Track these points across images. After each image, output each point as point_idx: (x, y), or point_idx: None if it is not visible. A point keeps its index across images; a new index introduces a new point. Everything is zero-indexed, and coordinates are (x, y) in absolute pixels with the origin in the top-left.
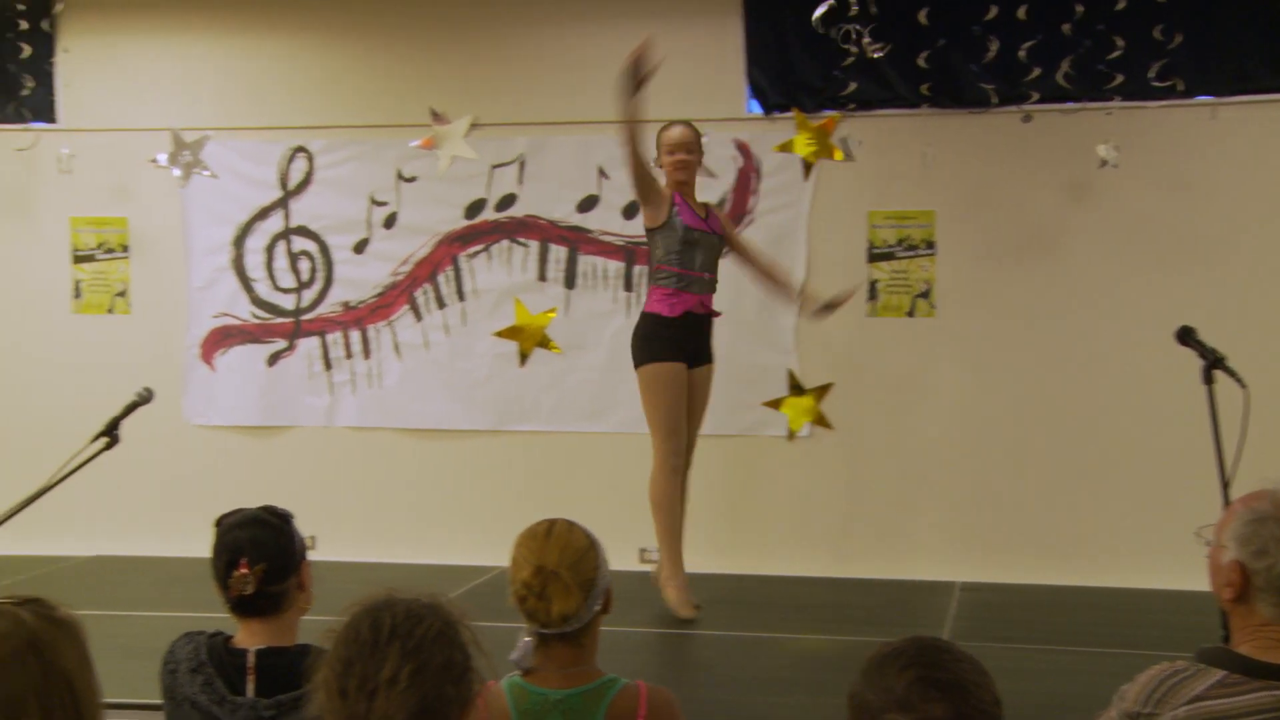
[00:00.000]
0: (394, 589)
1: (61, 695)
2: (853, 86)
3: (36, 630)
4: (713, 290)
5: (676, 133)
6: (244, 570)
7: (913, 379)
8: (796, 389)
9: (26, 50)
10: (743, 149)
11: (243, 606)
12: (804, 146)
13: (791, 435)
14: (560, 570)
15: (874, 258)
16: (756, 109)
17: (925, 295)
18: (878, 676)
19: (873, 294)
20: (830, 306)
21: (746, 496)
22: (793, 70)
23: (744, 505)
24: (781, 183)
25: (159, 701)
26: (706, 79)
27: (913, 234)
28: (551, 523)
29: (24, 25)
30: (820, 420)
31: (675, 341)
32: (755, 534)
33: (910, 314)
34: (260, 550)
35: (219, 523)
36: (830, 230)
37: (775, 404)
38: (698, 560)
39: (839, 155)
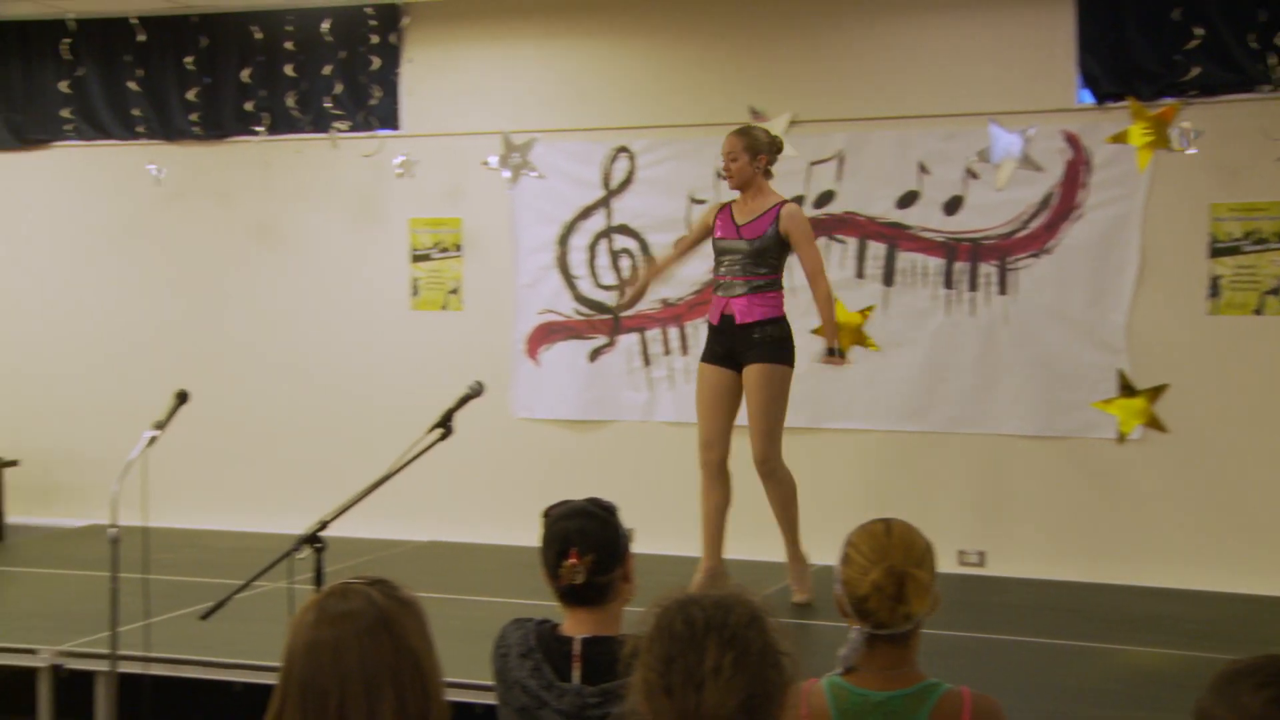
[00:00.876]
0: (684, 587)
1: (412, 672)
2: (1195, 71)
3: (386, 609)
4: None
5: (724, 142)
6: (574, 560)
7: (1259, 380)
8: (1128, 390)
9: (376, 63)
10: (1072, 141)
11: (571, 595)
12: (1140, 137)
13: (1122, 438)
14: (911, 570)
15: (1216, 252)
16: (1088, 98)
17: (1276, 292)
18: (1230, 694)
19: (1214, 291)
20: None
21: (1072, 500)
22: (1128, 56)
23: (1069, 509)
24: (1114, 175)
25: (490, 682)
26: (1034, 68)
27: (1262, 227)
28: (887, 522)
29: (374, 39)
30: (1153, 423)
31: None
32: (1081, 539)
33: (1258, 312)
34: (589, 541)
35: (547, 513)
36: (1167, 224)
37: (1105, 405)
38: (1024, 565)
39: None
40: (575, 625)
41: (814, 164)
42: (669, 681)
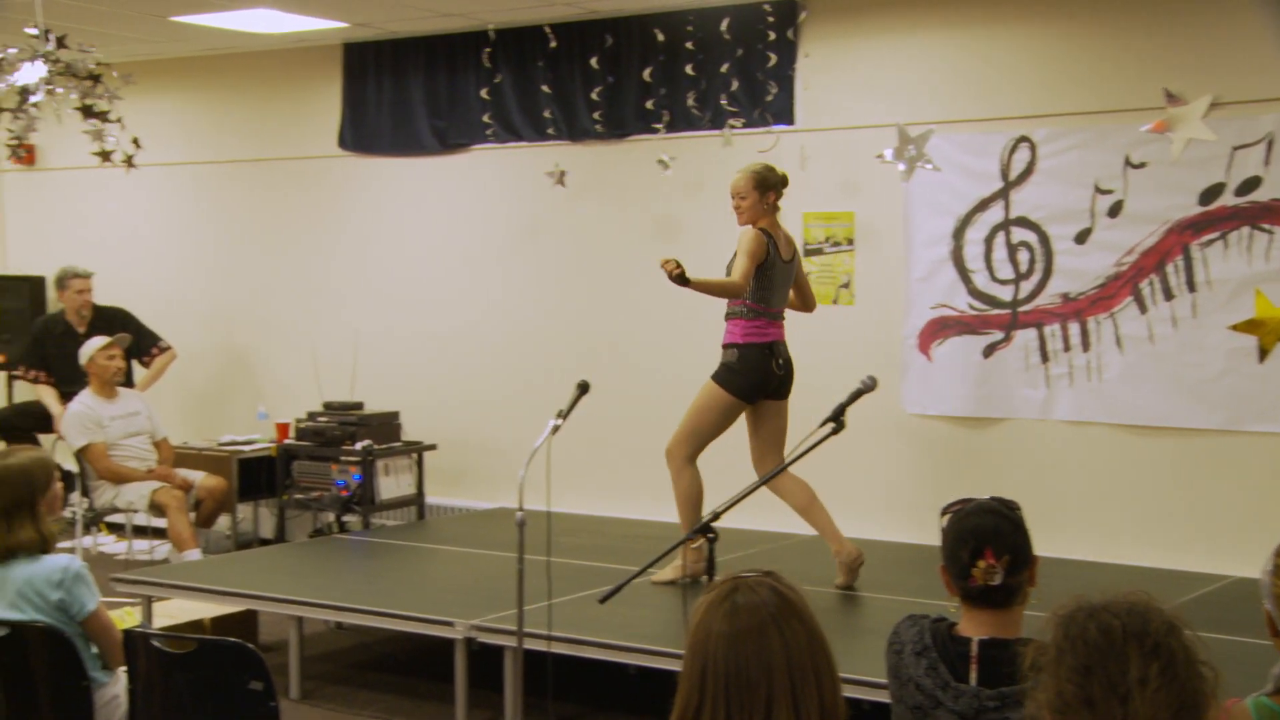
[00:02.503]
0: (1081, 595)
1: (825, 660)
2: None
3: (792, 599)
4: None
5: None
6: (991, 561)
7: None
8: None
9: (772, 59)
10: None
11: (978, 596)
12: None
13: None
14: None
15: None
16: None
17: None
18: None
19: None
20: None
21: None
22: None
23: None
24: None
25: (878, 680)
26: None
27: None
28: None
29: (771, 36)
30: None
31: None
32: None
33: None
34: (1003, 541)
35: (951, 511)
36: None
37: None
38: None
39: None
40: (974, 626)
41: (1237, 149)
42: (1089, 694)
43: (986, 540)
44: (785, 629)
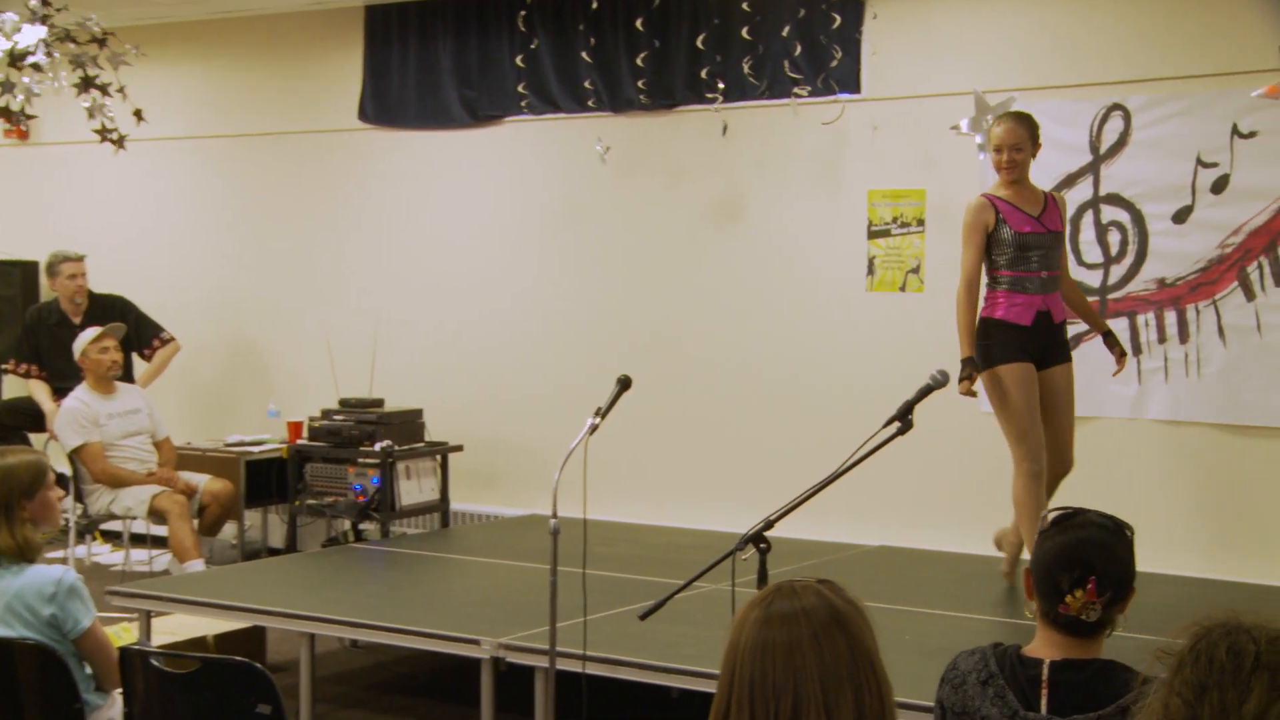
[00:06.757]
0: (1235, 611)
1: (869, 674)
2: None
3: (840, 608)
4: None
5: (999, 130)
6: (1091, 597)
7: None
8: None
9: (837, 20)
10: None
11: (1065, 625)
12: None
13: None
14: None
15: None
16: None
17: None
18: None
19: None
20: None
21: None
22: None
23: None
24: None
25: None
26: None
27: None
28: None
29: None
30: None
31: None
32: None
33: None
34: (1109, 574)
35: (1056, 524)
36: None
37: None
38: None
39: None
40: (1048, 647)
41: None
42: (1197, 713)
43: (1091, 571)
44: (823, 638)
